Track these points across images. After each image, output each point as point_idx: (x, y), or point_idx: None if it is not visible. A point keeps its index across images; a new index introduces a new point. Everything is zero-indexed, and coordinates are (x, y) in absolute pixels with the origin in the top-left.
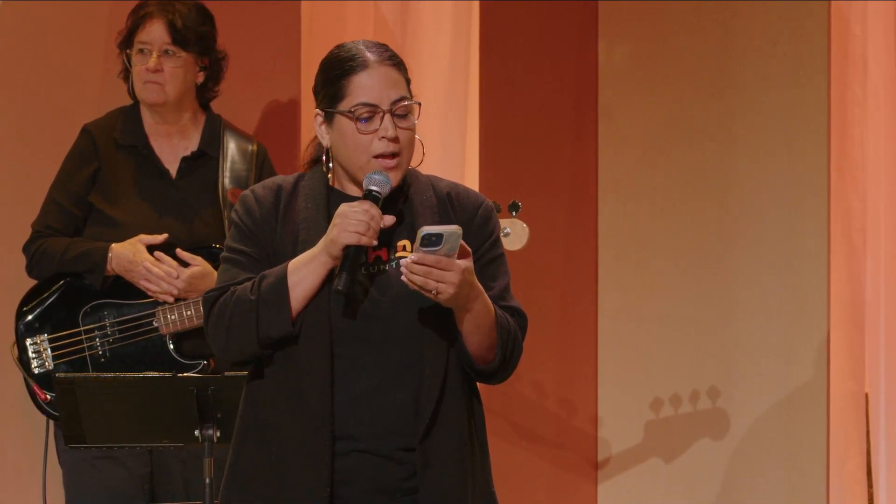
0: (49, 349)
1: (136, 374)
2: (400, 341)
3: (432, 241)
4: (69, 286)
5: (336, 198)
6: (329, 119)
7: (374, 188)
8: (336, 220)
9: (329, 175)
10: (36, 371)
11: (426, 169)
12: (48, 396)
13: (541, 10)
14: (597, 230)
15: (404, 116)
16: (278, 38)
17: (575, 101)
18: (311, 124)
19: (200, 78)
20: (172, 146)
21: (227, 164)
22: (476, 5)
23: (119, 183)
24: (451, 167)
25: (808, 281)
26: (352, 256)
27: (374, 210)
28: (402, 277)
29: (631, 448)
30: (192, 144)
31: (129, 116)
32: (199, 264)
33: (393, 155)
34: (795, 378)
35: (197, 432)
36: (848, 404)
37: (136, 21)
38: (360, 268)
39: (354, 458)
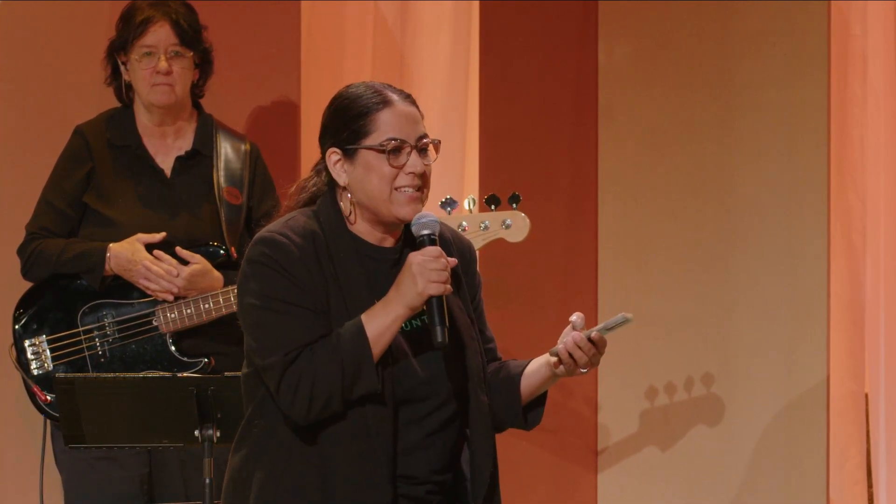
0: (48, 350)
1: (135, 375)
2: (442, 397)
3: (619, 324)
4: (66, 287)
5: (358, 245)
6: (350, 155)
7: (426, 232)
8: (414, 270)
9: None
10: (35, 372)
11: None
12: (48, 398)
13: (541, 10)
14: (597, 230)
15: (426, 152)
16: (278, 38)
17: (575, 101)
18: (311, 124)
19: (196, 75)
20: (166, 146)
21: (222, 163)
22: (476, 5)
23: (114, 183)
24: (452, 167)
25: (808, 281)
26: (438, 307)
27: (444, 256)
28: (562, 348)
29: (630, 446)
30: (185, 144)
31: (121, 117)
32: (198, 262)
33: (417, 188)
34: (795, 378)
35: (197, 432)
36: (848, 404)
37: (137, 26)
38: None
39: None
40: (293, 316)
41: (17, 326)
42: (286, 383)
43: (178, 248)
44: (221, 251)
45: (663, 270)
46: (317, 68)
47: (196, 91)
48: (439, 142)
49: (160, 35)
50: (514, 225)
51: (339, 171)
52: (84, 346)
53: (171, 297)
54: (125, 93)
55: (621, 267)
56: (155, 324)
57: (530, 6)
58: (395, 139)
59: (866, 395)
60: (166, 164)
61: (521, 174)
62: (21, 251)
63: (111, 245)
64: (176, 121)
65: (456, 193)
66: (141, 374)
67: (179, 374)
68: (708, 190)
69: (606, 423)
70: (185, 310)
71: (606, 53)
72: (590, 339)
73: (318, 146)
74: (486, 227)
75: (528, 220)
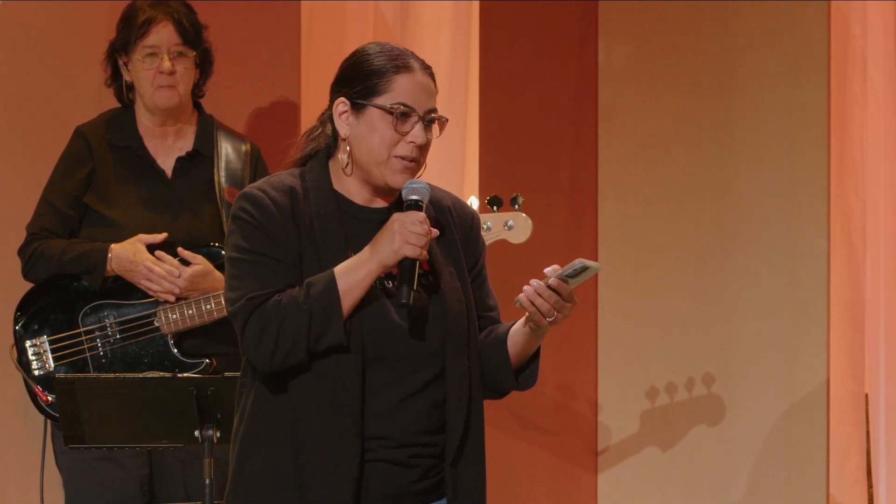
0: (49, 350)
1: (135, 375)
2: (420, 358)
3: (577, 273)
4: (67, 287)
5: (343, 204)
6: (358, 109)
7: (415, 197)
8: (394, 228)
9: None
10: (36, 373)
11: (427, 168)
12: (49, 398)
13: (541, 10)
14: (597, 230)
15: (430, 127)
16: (278, 38)
17: (575, 101)
18: (311, 124)
19: (196, 75)
20: (167, 146)
21: (223, 164)
22: (476, 5)
23: (114, 184)
24: (452, 167)
25: (808, 281)
26: (409, 269)
27: (427, 223)
28: (523, 297)
29: (630, 446)
30: (186, 144)
31: (122, 118)
32: (200, 263)
33: (413, 160)
34: (795, 378)
35: (196, 433)
36: (848, 404)
37: (140, 26)
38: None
39: (371, 466)
40: (262, 265)
41: (17, 327)
42: (251, 328)
43: (179, 249)
44: (223, 252)
45: (663, 270)
46: (317, 68)
47: (196, 91)
48: (447, 120)
49: (163, 35)
50: (517, 226)
51: (343, 122)
52: (85, 346)
53: (172, 298)
54: (126, 94)
55: (621, 267)
56: (156, 324)
57: (530, 6)
58: (405, 105)
59: (866, 396)
60: (167, 164)
61: (521, 174)
62: (22, 252)
63: (112, 246)
64: (177, 122)
65: (455, 194)
66: (141, 375)
67: (179, 375)
68: (708, 190)
69: (606, 424)
70: (187, 310)
71: (606, 53)
72: (549, 287)
73: (329, 94)
74: (488, 229)
75: (529, 221)
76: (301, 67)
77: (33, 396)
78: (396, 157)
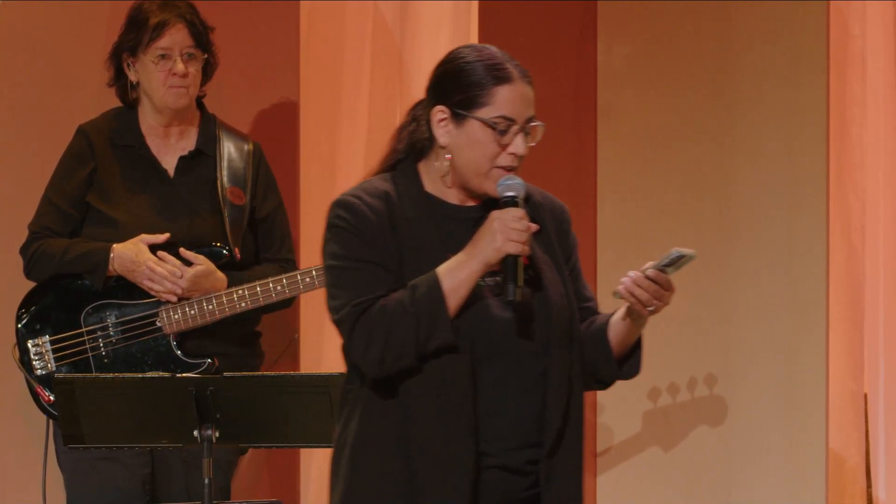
0: (51, 351)
1: (134, 375)
2: (528, 354)
3: (674, 261)
4: (69, 287)
5: (436, 206)
6: (458, 119)
7: (510, 194)
8: (494, 227)
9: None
10: (39, 373)
11: None
12: (51, 398)
13: (540, 10)
14: (596, 230)
15: (529, 134)
16: (278, 38)
17: (574, 101)
18: (311, 124)
19: (201, 75)
20: (169, 146)
21: (225, 163)
22: (475, 5)
23: (116, 183)
24: None
25: (807, 281)
26: (513, 266)
27: (526, 219)
28: (622, 288)
29: (629, 447)
30: (189, 144)
31: (124, 117)
32: (202, 263)
33: (512, 169)
34: (795, 378)
35: (196, 433)
36: (847, 404)
37: (153, 28)
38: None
39: (487, 473)
40: (362, 272)
41: (19, 326)
42: (358, 334)
43: (181, 249)
44: (225, 252)
45: None
46: (316, 68)
47: (199, 92)
48: (544, 125)
49: (177, 38)
50: None
51: (442, 130)
52: (87, 346)
53: (174, 298)
54: (129, 93)
55: (621, 267)
56: (158, 324)
57: (530, 6)
58: (507, 118)
59: (865, 396)
60: (169, 164)
61: (521, 174)
62: (23, 250)
63: (115, 245)
64: (182, 122)
65: None
66: (140, 375)
67: (178, 375)
68: (707, 190)
69: (606, 425)
70: (189, 310)
71: (606, 53)
72: (647, 277)
73: (426, 95)
74: None
75: None
76: (301, 67)
77: (35, 396)
78: (497, 167)
